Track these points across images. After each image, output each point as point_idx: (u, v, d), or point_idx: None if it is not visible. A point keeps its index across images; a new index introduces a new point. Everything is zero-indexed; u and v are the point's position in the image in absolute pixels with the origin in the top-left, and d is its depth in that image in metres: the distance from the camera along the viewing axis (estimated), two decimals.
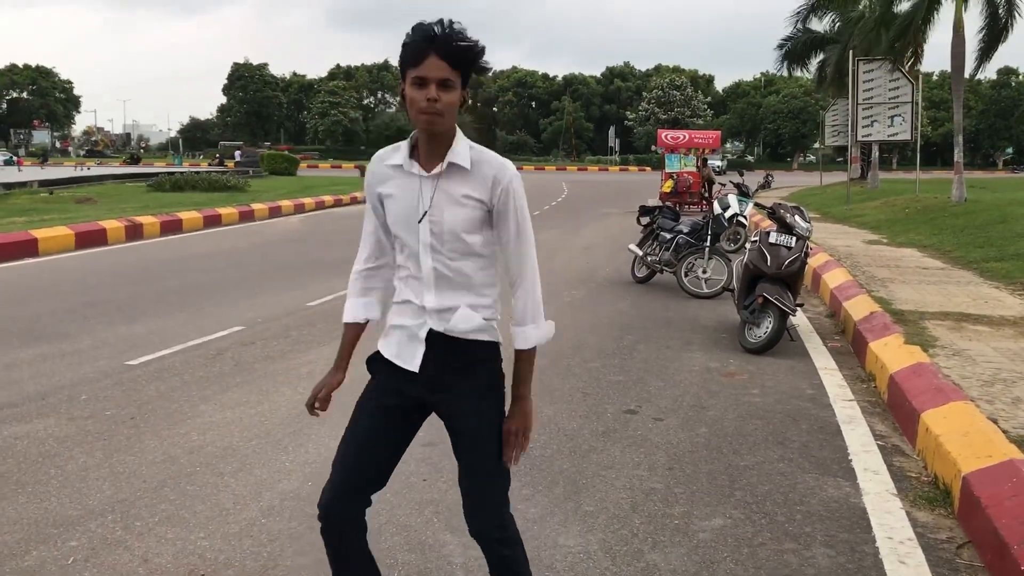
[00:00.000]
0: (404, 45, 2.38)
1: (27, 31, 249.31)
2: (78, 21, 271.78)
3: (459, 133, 2.48)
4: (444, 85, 2.34)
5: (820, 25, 37.05)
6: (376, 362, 2.69)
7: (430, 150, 2.47)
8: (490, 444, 2.63)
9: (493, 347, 2.61)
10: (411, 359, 2.58)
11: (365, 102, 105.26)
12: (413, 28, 2.38)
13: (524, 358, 2.64)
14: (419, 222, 2.48)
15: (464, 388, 2.59)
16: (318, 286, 10.55)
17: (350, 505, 2.65)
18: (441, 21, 2.36)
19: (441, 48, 2.32)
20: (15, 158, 67.47)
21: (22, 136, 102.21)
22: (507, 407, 2.65)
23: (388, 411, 2.64)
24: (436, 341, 2.55)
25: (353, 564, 2.73)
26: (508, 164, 2.51)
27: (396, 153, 2.54)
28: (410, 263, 2.55)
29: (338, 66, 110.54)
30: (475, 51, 2.37)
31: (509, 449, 2.65)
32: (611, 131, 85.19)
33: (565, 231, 19.09)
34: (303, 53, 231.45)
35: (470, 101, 2.48)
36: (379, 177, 2.58)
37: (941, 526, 4.03)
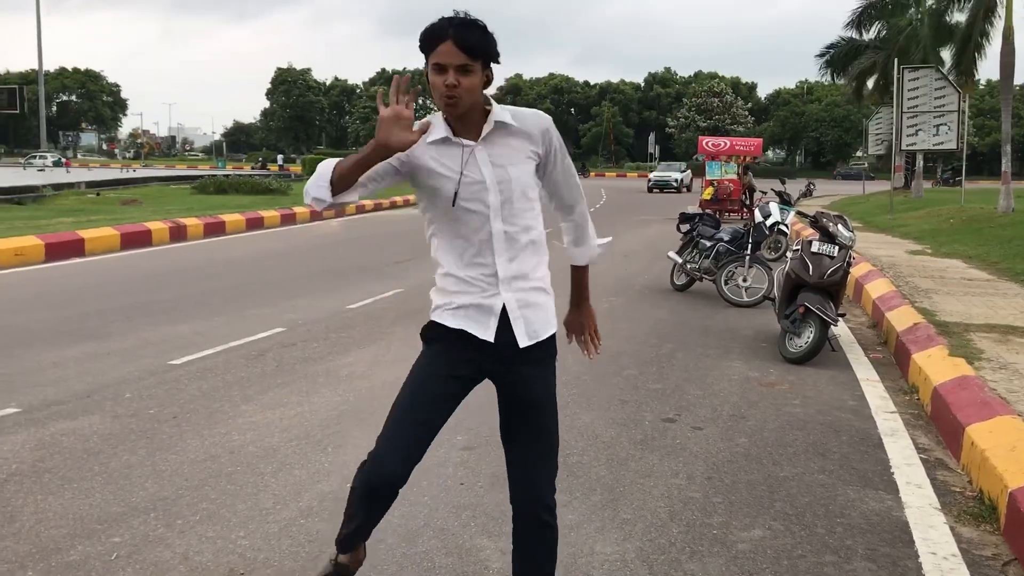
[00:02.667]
0: (422, 34, 2.52)
1: (84, 37, 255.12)
2: (134, 28, 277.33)
3: (493, 102, 2.60)
4: (462, 70, 2.48)
5: (866, 34, 36.69)
6: (434, 330, 2.72)
7: (463, 128, 2.59)
8: (555, 413, 2.78)
9: (552, 323, 2.78)
10: (485, 329, 2.65)
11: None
12: (429, 25, 2.53)
13: (584, 271, 3.00)
14: (476, 190, 2.57)
15: (533, 358, 2.71)
16: (358, 289, 10.63)
17: (408, 468, 2.72)
18: (455, 12, 2.53)
19: (456, 35, 2.46)
20: (63, 160, 68.77)
21: (70, 138, 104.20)
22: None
23: (453, 380, 2.71)
24: (506, 316, 2.65)
25: (374, 522, 2.87)
26: (543, 113, 2.69)
27: (433, 130, 2.58)
28: (475, 235, 2.61)
29: (382, 70, 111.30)
30: (488, 37, 2.51)
31: (591, 347, 3.00)
32: (651, 137, 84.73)
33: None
34: (352, 59, 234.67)
35: (492, 79, 2.58)
36: (412, 157, 2.58)
37: (987, 542, 3.95)
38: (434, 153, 2.59)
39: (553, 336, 2.77)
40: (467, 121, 2.58)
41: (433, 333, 2.73)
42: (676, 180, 47.46)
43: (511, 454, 2.78)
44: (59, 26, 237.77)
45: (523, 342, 2.66)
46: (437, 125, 2.59)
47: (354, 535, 2.95)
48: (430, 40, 2.50)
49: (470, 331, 2.65)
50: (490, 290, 2.63)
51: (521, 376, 2.71)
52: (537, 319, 2.70)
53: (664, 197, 40.49)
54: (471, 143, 2.58)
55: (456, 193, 2.57)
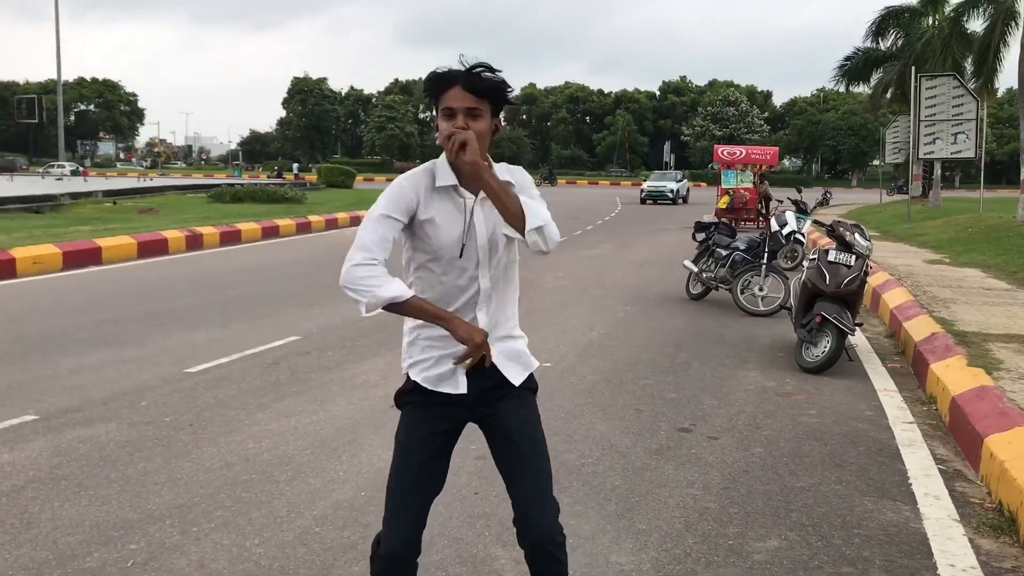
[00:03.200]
0: (432, 80, 2.52)
1: (105, 48, 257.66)
2: (155, 39, 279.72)
3: (490, 159, 2.59)
4: (472, 114, 2.47)
5: (885, 42, 36.57)
6: (408, 394, 2.74)
7: (462, 178, 2.56)
8: (545, 448, 2.74)
9: (531, 361, 2.80)
10: (457, 383, 2.66)
11: (421, 116, 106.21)
12: (438, 68, 2.53)
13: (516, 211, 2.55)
14: (473, 248, 2.58)
15: (512, 397, 2.70)
16: None
17: (418, 542, 2.71)
18: (462, 59, 2.51)
19: (466, 79, 2.45)
20: (81, 169, 69.32)
21: (88, 147, 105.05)
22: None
23: (437, 440, 2.71)
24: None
25: None
26: (523, 169, 2.70)
27: (434, 176, 2.57)
28: (457, 285, 2.61)
29: (396, 80, 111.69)
30: (498, 81, 2.49)
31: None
32: (666, 146, 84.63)
33: (619, 246, 19.00)
34: (370, 68, 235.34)
35: (504, 128, 2.55)
36: (418, 202, 2.57)
37: (1006, 555, 3.91)
38: (437, 201, 2.57)
39: (531, 374, 2.78)
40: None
41: (408, 397, 2.74)
42: (671, 191, 42.25)
43: (515, 490, 2.71)
44: (81, 37, 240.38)
45: (516, 380, 2.71)
46: (443, 170, 2.58)
47: None
48: (439, 85, 2.50)
49: (444, 391, 2.66)
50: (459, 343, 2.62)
51: (502, 411, 2.70)
52: (518, 362, 2.73)
53: (678, 206, 40.33)
54: (471, 197, 2.58)
55: (463, 247, 2.57)
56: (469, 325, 2.54)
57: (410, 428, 2.72)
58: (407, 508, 2.68)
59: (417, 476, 2.69)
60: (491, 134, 2.54)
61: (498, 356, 2.66)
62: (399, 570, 2.71)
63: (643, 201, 41.53)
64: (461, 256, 2.58)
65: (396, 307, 2.55)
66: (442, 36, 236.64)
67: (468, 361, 2.56)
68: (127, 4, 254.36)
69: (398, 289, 2.53)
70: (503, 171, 2.61)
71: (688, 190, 44.85)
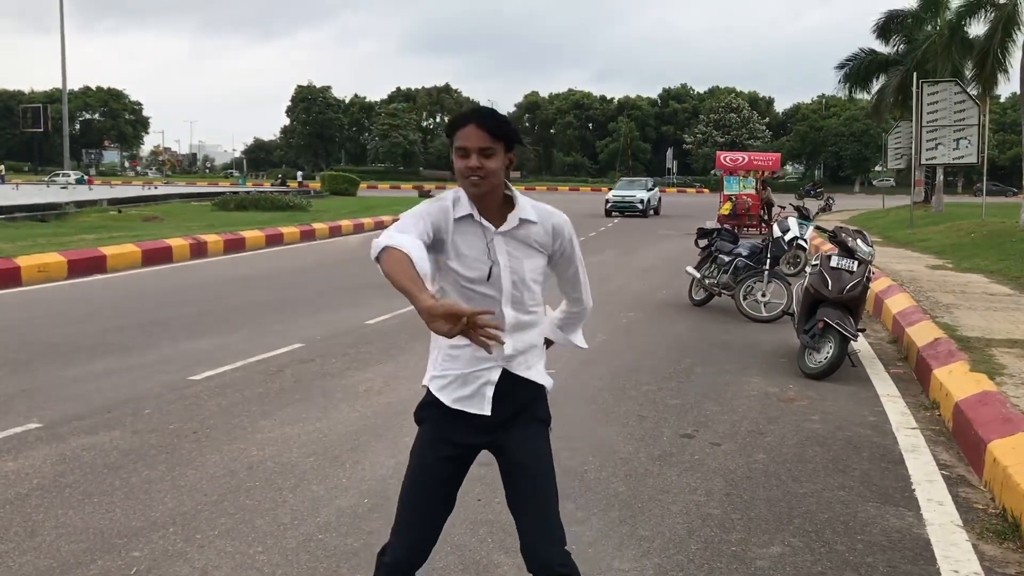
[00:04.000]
0: (449, 120, 2.68)
1: (114, 57, 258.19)
2: (162, 49, 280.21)
3: (514, 191, 2.70)
4: (485, 152, 2.58)
5: (886, 47, 36.58)
6: (429, 409, 2.77)
7: (482, 208, 2.66)
8: (553, 473, 2.78)
9: (543, 387, 2.83)
10: (481, 403, 2.70)
11: (425, 124, 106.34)
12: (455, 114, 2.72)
13: (548, 344, 3.01)
14: (498, 274, 2.65)
15: (527, 422, 2.76)
16: (376, 305, 10.66)
17: (424, 556, 2.78)
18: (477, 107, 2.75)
19: (480, 119, 2.59)
20: (85, 177, 69.47)
21: (93, 156, 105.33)
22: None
23: (451, 464, 2.75)
24: (503, 382, 2.70)
25: None
26: (560, 212, 2.78)
27: (459, 206, 2.66)
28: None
29: (398, 88, 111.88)
30: (509, 124, 2.64)
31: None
32: (668, 153, 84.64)
33: (622, 252, 19.01)
34: (377, 77, 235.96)
35: (514, 163, 2.72)
36: (445, 227, 2.63)
37: (1010, 560, 3.91)
38: (460, 229, 2.65)
39: (545, 399, 2.83)
40: (488, 203, 2.66)
41: (426, 412, 2.77)
42: (642, 201, 35.80)
43: (523, 515, 2.72)
44: (89, 47, 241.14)
45: (545, 381, 2.80)
46: (462, 201, 2.66)
47: None
48: (454, 125, 2.63)
49: (467, 410, 2.70)
50: (484, 363, 2.67)
51: (515, 440, 2.74)
52: (535, 374, 2.78)
53: (682, 210, 40.14)
54: (491, 227, 2.66)
55: (490, 272, 2.64)
56: (434, 300, 2.27)
57: (426, 448, 2.76)
58: (415, 525, 2.74)
59: (429, 498, 2.74)
60: (507, 168, 2.65)
61: (520, 367, 2.73)
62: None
63: (608, 213, 35.16)
64: (489, 279, 2.64)
65: (391, 268, 2.37)
66: (448, 45, 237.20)
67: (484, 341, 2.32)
68: (136, 14, 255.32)
69: (399, 241, 2.43)
70: (528, 208, 2.70)
71: (659, 200, 38.81)
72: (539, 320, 2.81)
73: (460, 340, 2.49)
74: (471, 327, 2.25)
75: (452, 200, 2.66)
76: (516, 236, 2.68)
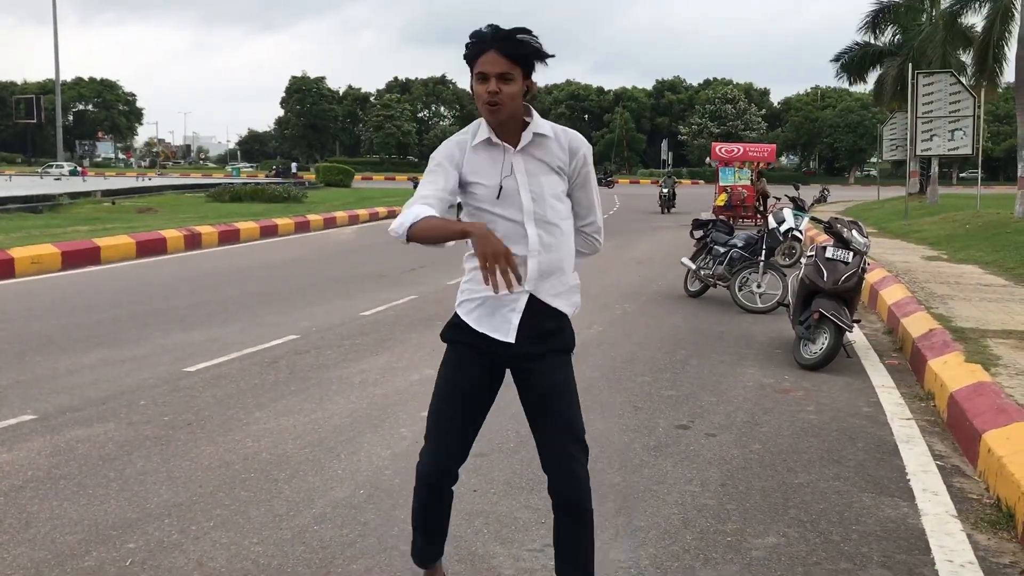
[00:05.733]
0: (467, 45, 2.66)
1: (116, 49, 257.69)
2: (164, 40, 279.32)
3: (534, 112, 2.75)
4: (503, 78, 2.62)
5: (882, 38, 36.56)
6: (457, 330, 2.86)
7: (503, 134, 2.73)
8: (576, 398, 2.91)
9: (568, 317, 2.92)
10: (507, 331, 2.77)
11: (420, 115, 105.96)
12: (473, 31, 2.67)
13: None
14: (515, 190, 2.71)
15: (554, 349, 2.85)
16: (371, 296, 10.65)
17: (456, 463, 2.92)
18: (496, 25, 2.66)
19: (499, 44, 2.60)
20: (79, 168, 69.26)
21: (86, 147, 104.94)
22: None
23: (481, 380, 2.85)
24: (529, 309, 2.78)
25: (444, 514, 3.05)
26: (583, 138, 2.86)
27: (476, 135, 2.73)
28: (509, 237, 2.69)
29: (395, 79, 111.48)
30: (531, 44, 2.64)
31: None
32: (664, 144, 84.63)
33: (618, 244, 19.01)
34: (376, 68, 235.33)
35: (537, 88, 2.78)
36: (463, 162, 2.73)
37: (1004, 550, 3.92)
38: (478, 155, 2.73)
39: (570, 326, 2.91)
40: (507, 128, 2.72)
41: (452, 333, 2.87)
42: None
43: (549, 445, 2.87)
44: (91, 39, 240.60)
45: (569, 310, 2.88)
46: (482, 128, 2.73)
47: (424, 544, 3.12)
48: (474, 49, 2.64)
49: (491, 334, 2.78)
50: (517, 287, 2.70)
51: (537, 370, 2.83)
52: (565, 299, 2.87)
53: (680, 199, 40.04)
54: (509, 147, 2.72)
55: (500, 189, 2.69)
56: (494, 238, 2.45)
57: (454, 367, 2.87)
58: (444, 437, 2.86)
59: (459, 410, 2.86)
60: (524, 95, 2.69)
61: (547, 293, 2.80)
62: (433, 492, 2.93)
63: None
64: (499, 198, 2.70)
65: (416, 238, 2.57)
66: (448, 36, 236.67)
67: (500, 280, 2.46)
68: (137, 6, 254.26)
69: (416, 212, 2.58)
70: (543, 124, 2.76)
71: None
72: (566, 242, 2.85)
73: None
74: (507, 259, 2.39)
75: (473, 131, 2.73)
76: (534, 155, 2.75)
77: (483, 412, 2.94)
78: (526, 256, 2.74)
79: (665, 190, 32.91)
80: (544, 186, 2.74)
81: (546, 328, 2.82)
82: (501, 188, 2.70)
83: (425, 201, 2.62)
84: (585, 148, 2.85)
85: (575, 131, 2.86)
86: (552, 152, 2.77)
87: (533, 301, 2.78)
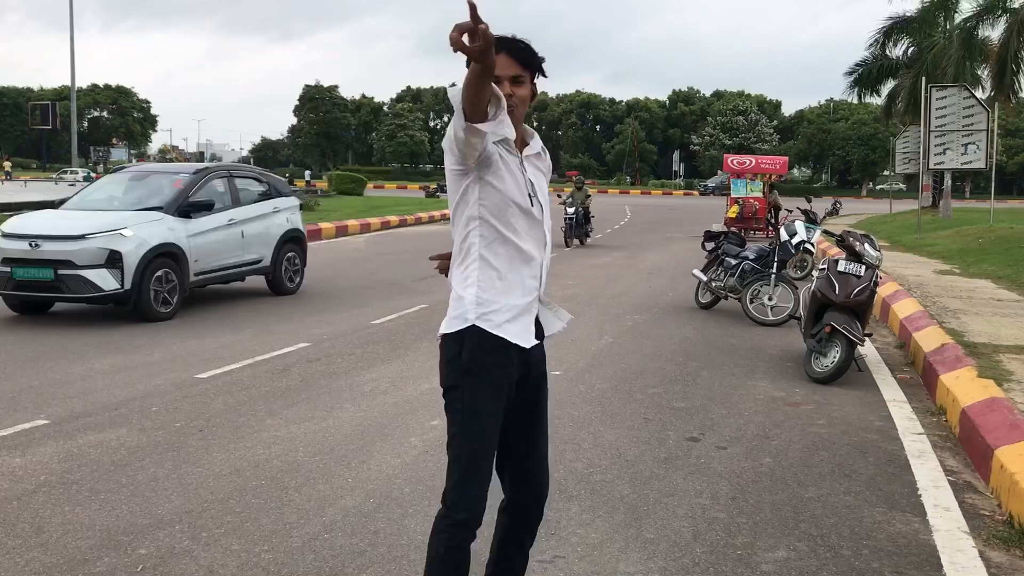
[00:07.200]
0: None
1: (135, 57, 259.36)
2: (183, 47, 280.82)
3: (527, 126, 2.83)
4: (516, 81, 2.67)
5: (895, 51, 36.54)
6: (475, 353, 2.68)
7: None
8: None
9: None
10: (528, 335, 2.79)
11: (432, 124, 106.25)
12: None
13: None
14: (535, 196, 2.77)
15: (540, 375, 2.91)
16: (382, 305, 10.67)
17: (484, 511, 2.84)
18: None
19: (512, 49, 2.66)
20: (93, 175, 69.64)
21: (101, 153, 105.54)
22: None
23: (505, 402, 2.78)
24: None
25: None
26: None
27: (507, 129, 2.60)
28: (530, 237, 2.75)
29: (407, 88, 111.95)
30: (536, 53, 2.73)
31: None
32: (675, 155, 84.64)
33: (628, 255, 18.99)
34: (393, 78, 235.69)
35: (538, 93, 2.87)
36: (493, 145, 2.64)
37: (1017, 568, 3.90)
38: (503, 152, 2.68)
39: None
40: (515, 132, 2.75)
41: (489, 358, 2.68)
42: None
43: (525, 453, 2.91)
44: (112, 46, 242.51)
45: (565, 317, 2.95)
46: (504, 121, 2.61)
47: None
48: None
49: (520, 343, 2.72)
50: (534, 293, 2.78)
51: (531, 388, 2.88)
52: (555, 314, 2.95)
53: (688, 213, 40.09)
54: (519, 155, 2.77)
55: (510, 196, 2.69)
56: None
57: (485, 394, 2.69)
58: (486, 475, 2.77)
59: (495, 445, 2.80)
60: (530, 100, 2.75)
61: (544, 314, 2.87)
62: (470, 537, 2.75)
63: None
64: (532, 203, 2.73)
65: (471, 111, 2.44)
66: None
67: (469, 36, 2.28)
68: (158, 14, 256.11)
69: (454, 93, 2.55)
70: (539, 145, 2.86)
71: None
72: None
73: (508, 268, 2.69)
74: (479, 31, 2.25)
75: (492, 124, 2.62)
76: (533, 162, 2.83)
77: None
78: (542, 261, 2.80)
79: (570, 209, 20.73)
80: (545, 192, 2.85)
81: (540, 334, 2.87)
82: (531, 195, 2.73)
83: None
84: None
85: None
86: (544, 161, 2.90)
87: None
